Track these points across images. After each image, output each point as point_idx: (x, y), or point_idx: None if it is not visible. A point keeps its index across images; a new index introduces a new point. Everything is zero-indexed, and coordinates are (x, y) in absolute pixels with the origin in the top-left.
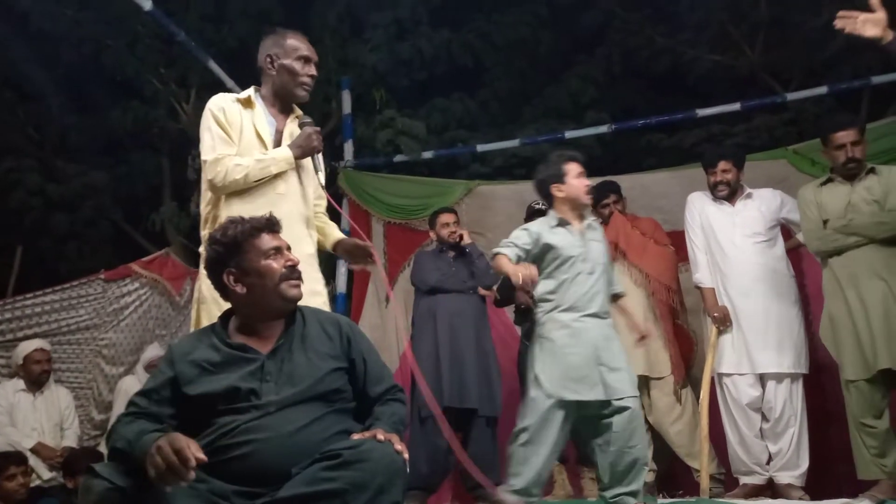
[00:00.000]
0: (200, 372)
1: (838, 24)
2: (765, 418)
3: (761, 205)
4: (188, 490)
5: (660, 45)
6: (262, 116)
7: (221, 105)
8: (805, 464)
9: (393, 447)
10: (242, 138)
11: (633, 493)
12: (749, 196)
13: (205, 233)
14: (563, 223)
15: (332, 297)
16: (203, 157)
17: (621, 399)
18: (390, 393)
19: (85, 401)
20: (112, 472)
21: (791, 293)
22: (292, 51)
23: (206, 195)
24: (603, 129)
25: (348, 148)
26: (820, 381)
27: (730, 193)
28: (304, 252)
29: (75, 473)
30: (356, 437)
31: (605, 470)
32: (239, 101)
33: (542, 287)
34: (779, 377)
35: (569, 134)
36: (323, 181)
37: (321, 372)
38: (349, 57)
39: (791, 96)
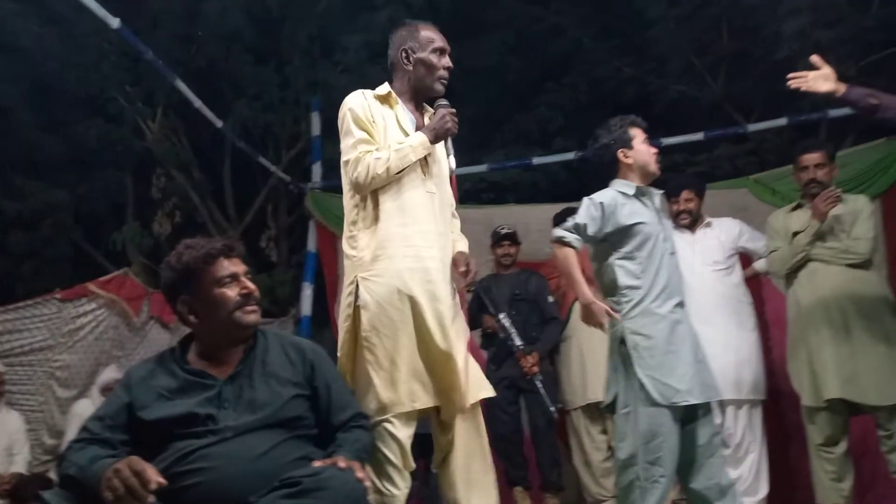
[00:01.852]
0: (157, 397)
1: (792, 84)
2: (725, 444)
3: (721, 233)
4: None
5: (626, 75)
6: (403, 113)
7: (362, 103)
8: (765, 490)
9: (354, 475)
10: (387, 135)
11: None
12: (709, 225)
13: (354, 233)
14: (640, 194)
15: (297, 321)
16: (344, 157)
17: (710, 401)
18: (354, 420)
19: (36, 425)
20: (61, 501)
21: (750, 320)
22: (427, 43)
23: (351, 197)
24: (570, 155)
25: (316, 170)
26: (780, 406)
27: (691, 222)
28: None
29: (24, 501)
30: (317, 464)
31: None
32: (377, 97)
33: (624, 272)
34: (738, 403)
35: (536, 160)
36: (454, 165)
37: (281, 399)
38: (319, 78)
39: (752, 127)
